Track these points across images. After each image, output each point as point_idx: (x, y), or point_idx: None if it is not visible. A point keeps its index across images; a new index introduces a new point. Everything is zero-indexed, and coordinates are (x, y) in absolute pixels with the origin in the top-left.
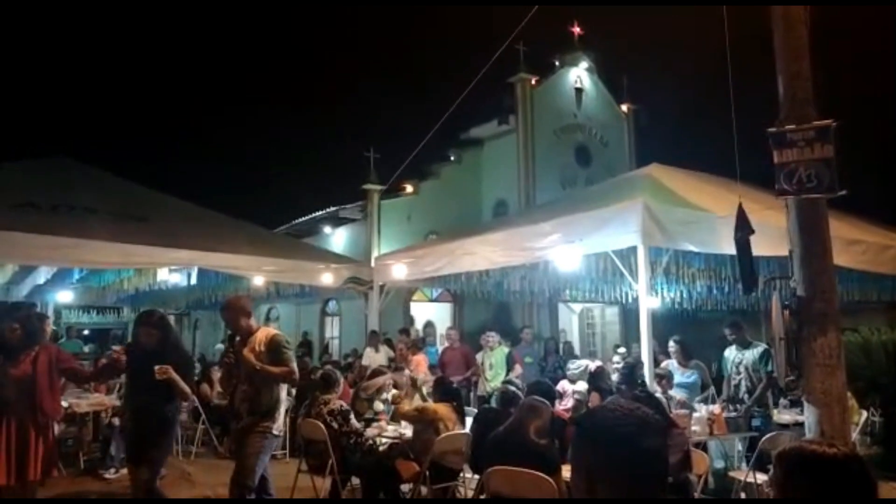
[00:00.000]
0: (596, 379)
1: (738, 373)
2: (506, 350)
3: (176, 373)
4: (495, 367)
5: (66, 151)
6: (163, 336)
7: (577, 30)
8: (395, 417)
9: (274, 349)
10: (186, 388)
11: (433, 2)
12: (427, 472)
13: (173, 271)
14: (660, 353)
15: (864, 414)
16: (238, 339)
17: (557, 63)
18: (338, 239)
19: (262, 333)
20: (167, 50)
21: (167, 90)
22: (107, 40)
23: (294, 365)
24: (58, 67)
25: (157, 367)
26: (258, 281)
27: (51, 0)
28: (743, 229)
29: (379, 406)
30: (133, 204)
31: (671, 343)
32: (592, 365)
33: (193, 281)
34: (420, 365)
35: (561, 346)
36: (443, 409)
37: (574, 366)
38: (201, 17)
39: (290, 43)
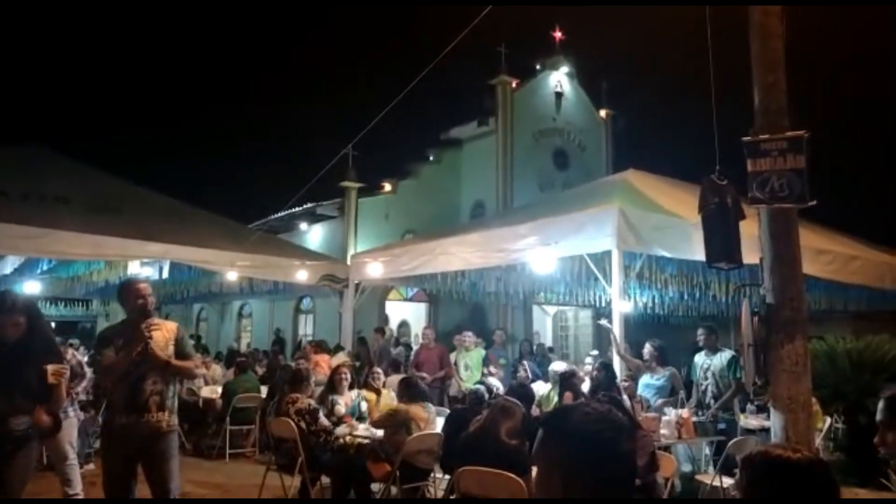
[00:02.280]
0: (568, 379)
1: (706, 378)
2: (483, 352)
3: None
4: (471, 368)
5: (44, 140)
6: (31, 325)
7: (558, 34)
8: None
9: (182, 340)
10: (64, 393)
11: (413, 2)
12: (397, 472)
13: (145, 264)
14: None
15: (828, 420)
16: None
17: (538, 67)
18: (314, 236)
19: (166, 322)
20: (149, 43)
21: (147, 84)
22: (90, 32)
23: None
24: (42, 58)
25: (50, 368)
26: (232, 276)
27: None
28: (707, 202)
29: (341, 410)
30: (107, 195)
31: (647, 346)
32: (560, 367)
33: (165, 275)
34: (320, 365)
35: (534, 347)
36: (415, 409)
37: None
38: (183, 11)
39: (271, 39)
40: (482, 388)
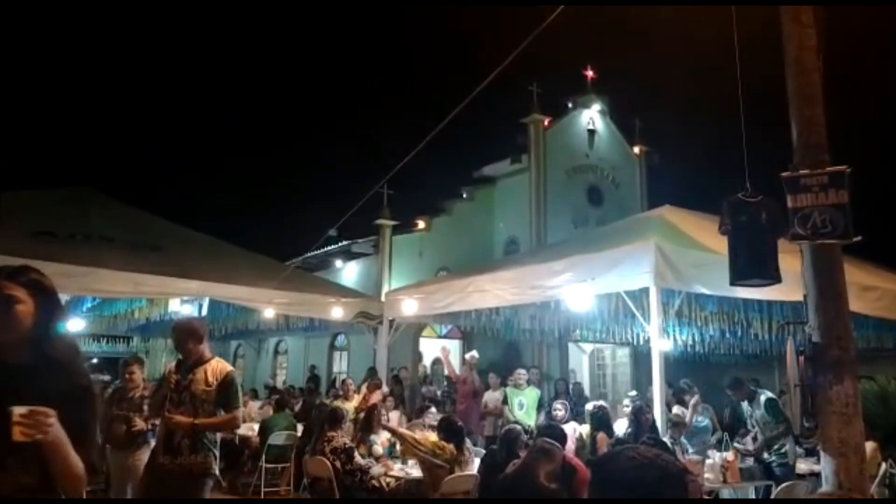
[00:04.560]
0: (598, 419)
1: (753, 426)
2: (537, 391)
3: (68, 419)
4: (527, 406)
5: (87, 181)
6: (41, 316)
7: (590, 73)
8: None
9: (227, 388)
10: (79, 464)
11: (449, 42)
12: None
13: (185, 302)
14: (670, 395)
15: (883, 465)
16: (184, 366)
17: (570, 105)
18: (349, 273)
19: (218, 365)
20: (190, 84)
21: (184, 122)
22: (129, 79)
23: (240, 412)
24: (85, 104)
25: (16, 413)
26: (269, 313)
27: (83, 38)
28: (727, 220)
29: (378, 450)
30: (149, 234)
31: (682, 385)
32: (589, 405)
33: (205, 312)
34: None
35: (570, 387)
36: (456, 452)
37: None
38: (223, 51)
39: (307, 79)
40: (517, 427)
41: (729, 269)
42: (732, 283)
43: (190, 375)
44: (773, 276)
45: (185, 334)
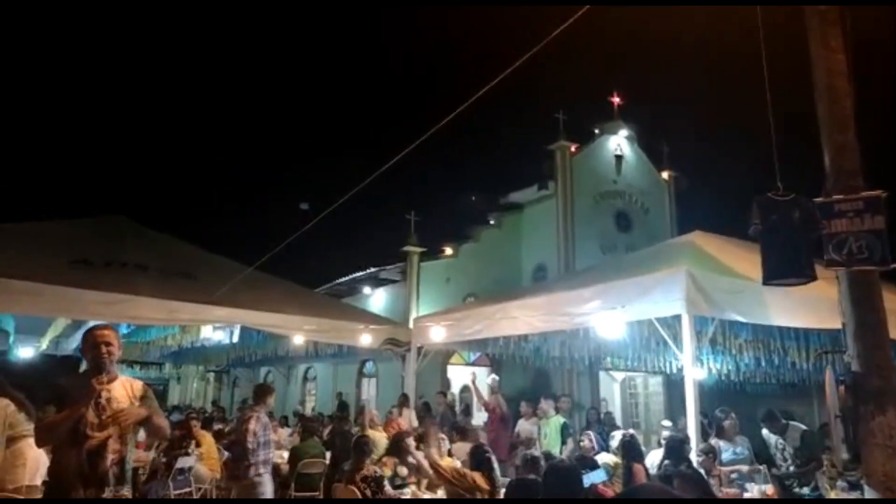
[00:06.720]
0: (630, 450)
1: (785, 459)
2: (561, 419)
3: None
4: (549, 437)
5: (121, 210)
6: None
7: (616, 99)
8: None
9: (150, 399)
10: None
11: (477, 72)
12: None
13: (217, 328)
14: (707, 426)
15: None
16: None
17: (597, 131)
18: (377, 300)
19: (129, 381)
20: (220, 113)
21: (217, 150)
22: (162, 111)
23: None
24: (118, 136)
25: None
26: (298, 340)
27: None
28: (755, 220)
29: (403, 470)
30: (181, 262)
31: (719, 414)
32: (618, 434)
33: (236, 339)
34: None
35: (602, 415)
36: (480, 480)
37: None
38: (245, 78)
39: (333, 108)
40: (536, 452)
41: (762, 269)
42: (765, 283)
43: (106, 393)
44: (808, 275)
45: (104, 341)
